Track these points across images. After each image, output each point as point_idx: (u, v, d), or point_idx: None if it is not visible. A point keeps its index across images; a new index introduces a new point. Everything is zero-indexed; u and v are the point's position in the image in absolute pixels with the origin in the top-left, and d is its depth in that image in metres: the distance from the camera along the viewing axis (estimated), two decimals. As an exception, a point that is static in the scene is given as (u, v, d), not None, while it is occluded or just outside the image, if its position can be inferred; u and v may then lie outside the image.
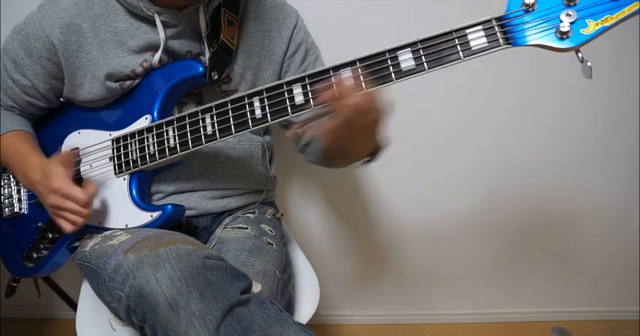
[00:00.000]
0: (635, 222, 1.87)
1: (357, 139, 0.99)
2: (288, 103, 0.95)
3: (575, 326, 1.96)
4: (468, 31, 0.85)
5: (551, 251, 1.93)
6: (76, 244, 1.16)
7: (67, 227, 1.07)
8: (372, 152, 1.11)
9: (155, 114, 1.11)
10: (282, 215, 1.41)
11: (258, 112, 0.98)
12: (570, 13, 0.79)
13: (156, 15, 1.07)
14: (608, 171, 1.79)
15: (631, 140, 1.73)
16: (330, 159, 1.24)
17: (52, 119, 1.26)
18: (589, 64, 0.80)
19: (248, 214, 1.28)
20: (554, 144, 1.73)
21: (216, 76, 1.12)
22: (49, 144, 1.20)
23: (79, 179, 1.16)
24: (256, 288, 1.03)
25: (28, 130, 1.23)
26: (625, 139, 1.73)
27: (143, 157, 1.09)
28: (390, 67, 0.88)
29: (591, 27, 0.79)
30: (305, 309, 1.22)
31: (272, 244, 1.21)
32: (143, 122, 1.12)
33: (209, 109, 1.03)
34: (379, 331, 2.03)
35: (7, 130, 1.19)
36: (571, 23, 0.79)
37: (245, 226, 1.23)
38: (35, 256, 1.21)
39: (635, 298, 2.00)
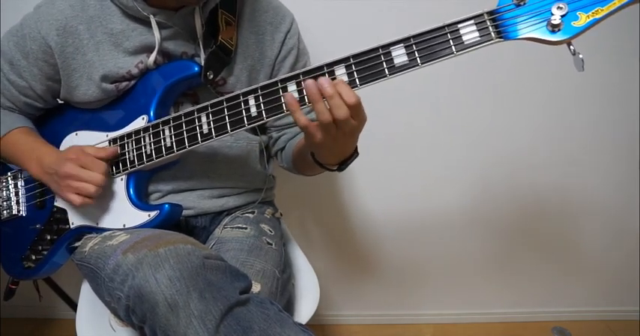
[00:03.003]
0: (635, 221, 1.87)
1: (333, 145, 0.98)
2: (283, 100, 0.95)
3: (575, 326, 1.96)
4: (460, 25, 0.85)
5: (550, 251, 1.94)
6: (76, 245, 1.16)
7: (77, 200, 1.06)
8: (342, 161, 1.09)
9: (151, 114, 1.11)
10: (281, 215, 1.42)
11: (253, 110, 0.98)
12: (561, 5, 0.80)
13: (151, 16, 1.08)
14: (607, 169, 1.79)
15: (630, 136, 1.73)
16: (300, 167, 1.27)
17: (49, 121, 1.27)
18: (581, 56, 0.80)
19: (247, 214, 1.29)
20: (551, 140, 1.74)
21: (211, 76, 1.12)
22: (47, 146, 1.19)
23: None
24: (255, 288, 1.03)
25: (31, 126, 1.23)
26: (624, 135, 1.73)
27: (140, 157, 1.10)
28: (384, 63, 0.88)
29: (582, 19, 0.79)
30: (305, 309, 1.22)
31: (271, 244, 1.21)
32: (140, 122, 1.12)
33: (205, 108, 1.03)
34: (379, 331, 2.04)
35: (11, 129, 1.19)
36: (562, 16, 0.80)
37: (244, 225, 1.24)
38: (34, 257, 1.21)
39: (635, 298, 2.00)
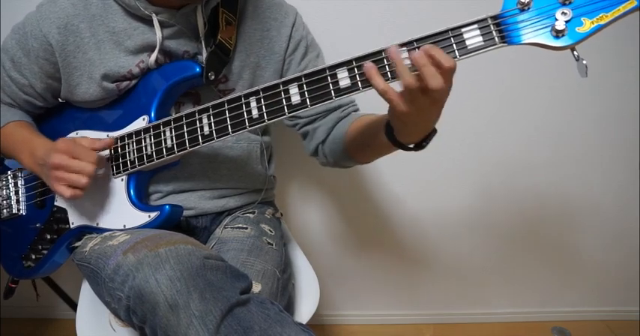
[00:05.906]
0: (635, 221, 1.87)
1: (419, 116, 0.89)
2: (284, 102, 0.94)
3: (575, 326, 1.96)
4: (463, 30, 0.84)
5: (550, 251, 1.93)
6: (76, 245, 1.16)
7: (67, 192, 1.02)
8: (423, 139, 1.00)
9: (152, 114, 1.11)
10: (281, 215, 1.42)
11: (255, 112, 0.97)
12: (566, 11, 0.79)
13: (153, 14, 1.07)
14: (607, 169, 1.79)
15: (630, 137, 1.73)
16: (355, 152, 1.18)
17: (49, 120, 1.27)
18: (584, 62, 0.80)
19: (247, 214, 1.29)
20: (551, 140, 1.73)
21: (213, 77, 1.12)
22: (47, 144, 1.19)
23: None
24: (256, 288, 1.03)
25: (29, 121, 1.23)
26: (624, 136, 1.73)
27: (141, 158, 1.09)
28: (387, 67, 0.87)
29: (586, 25, 0.79)
30: (305, 309, 1.22)
31: (272, 244, 1.21)
32: (140, 123, 1.12)
33: (206, 110, 1.03)
34: (379, 331, 2.03)
35: (9, 121, 1.19)
36: (566, 21, 0.79)
37: (245, 225, 1.24)
38: (34, 256, 1.21)
39: (635, 298, 2.00)
